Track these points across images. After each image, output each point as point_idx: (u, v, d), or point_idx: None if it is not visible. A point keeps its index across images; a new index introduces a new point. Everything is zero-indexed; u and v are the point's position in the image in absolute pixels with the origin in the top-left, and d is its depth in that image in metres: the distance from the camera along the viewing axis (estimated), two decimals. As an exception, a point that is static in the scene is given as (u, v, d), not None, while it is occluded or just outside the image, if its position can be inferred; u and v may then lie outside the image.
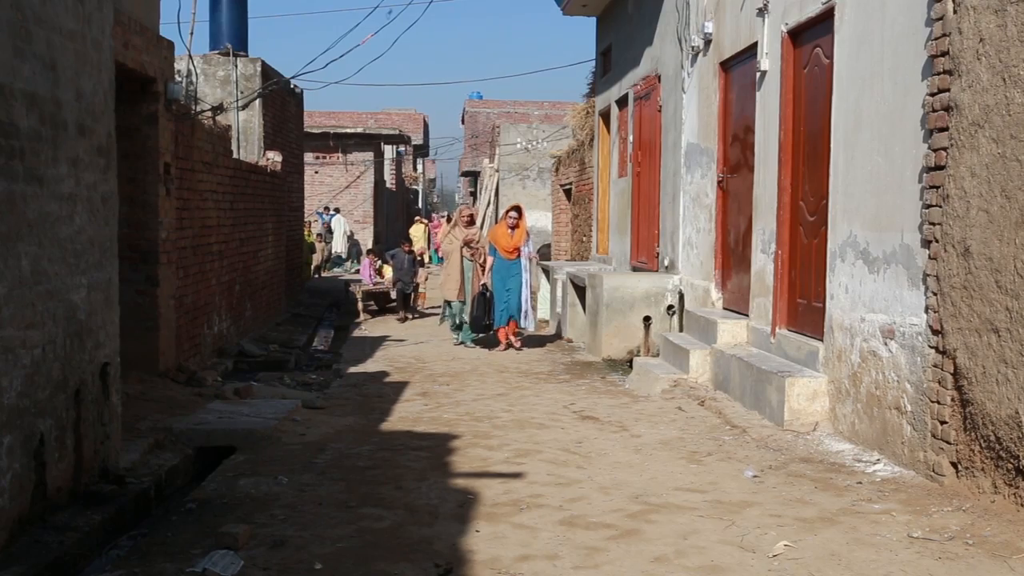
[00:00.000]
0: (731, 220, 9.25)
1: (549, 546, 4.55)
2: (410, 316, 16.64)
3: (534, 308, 12.85)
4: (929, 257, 5.46)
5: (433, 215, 36.46)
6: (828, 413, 6.73)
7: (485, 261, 12.51)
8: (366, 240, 28.99)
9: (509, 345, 12.28)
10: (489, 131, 41.17)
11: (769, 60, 8.00)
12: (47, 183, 4.63)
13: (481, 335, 12.63)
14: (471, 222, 13.37)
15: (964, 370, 5.09)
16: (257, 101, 15.15)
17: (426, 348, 12.61)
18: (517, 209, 12.65)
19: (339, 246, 28.34)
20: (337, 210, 28.49)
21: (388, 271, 18.43)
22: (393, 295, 18.46)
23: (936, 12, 5.38)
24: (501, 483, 5.66)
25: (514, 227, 12.40)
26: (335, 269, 27.39)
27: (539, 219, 22.39)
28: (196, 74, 14.35)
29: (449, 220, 35.94)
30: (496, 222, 16.75)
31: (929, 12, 5.47)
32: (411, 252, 17.12)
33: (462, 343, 12.73)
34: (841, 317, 6.60)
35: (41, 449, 4.57)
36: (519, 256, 12.41)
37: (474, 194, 47.84)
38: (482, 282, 12.38)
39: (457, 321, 12.91)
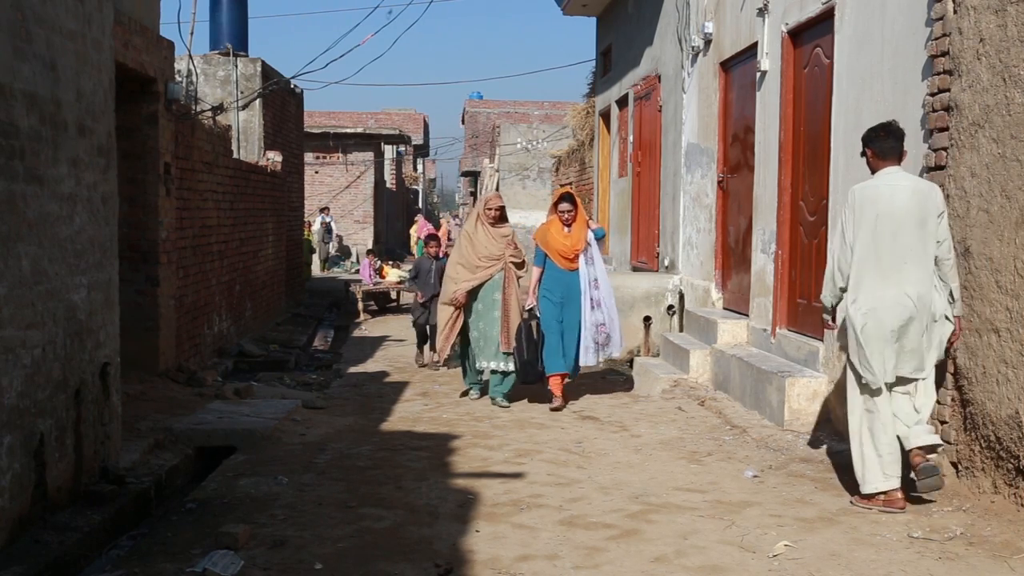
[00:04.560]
0: (731, 220, 9.24)
1: (549, 546, 4.55)
2: (434, 360, 10.61)
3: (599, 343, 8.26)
4: (929, 257, 5.45)
5: (418, 216, 34.76)
6: (828, 413, 6.72)
7: (531, 273, 8.41)
8: (366, 240, 28.96)
9: (561, 404, 8.12)
10: (489, 131, 41.18)
11: (769, 60, 8.00)
12: (47, 183, 4.63)
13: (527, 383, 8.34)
14: (502, 216, 8.54)
15: (964, 370, 5.09)
16: (257, 101, 15.15)
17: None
18: (570, 198, 8.30)
19: (332, 247, 28.32)
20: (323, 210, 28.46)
21: (388, 271, 18.43)
22: (393, 295, 18.43)
23: (936, 12, 5.38)
24: (501, 483, 5.66)
25: (570, 223, 8.24)
26: (335, 269, 27.40)
27: (540, 219, 22.37)
28: (196, 74, 14.36)
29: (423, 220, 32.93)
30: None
31: (929, 12, 5.47)
32: (438, 257, 11.22)
33: (498, 401, 8.28)
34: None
35: (41, 449, 4.57)
36: (580, 265, 8.24)
37: (474, 194, 47.79)
38: (527, 306, 8.26)
39: (479, 366, 8.42)
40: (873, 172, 5.22)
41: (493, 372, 8.30)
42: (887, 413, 5.05)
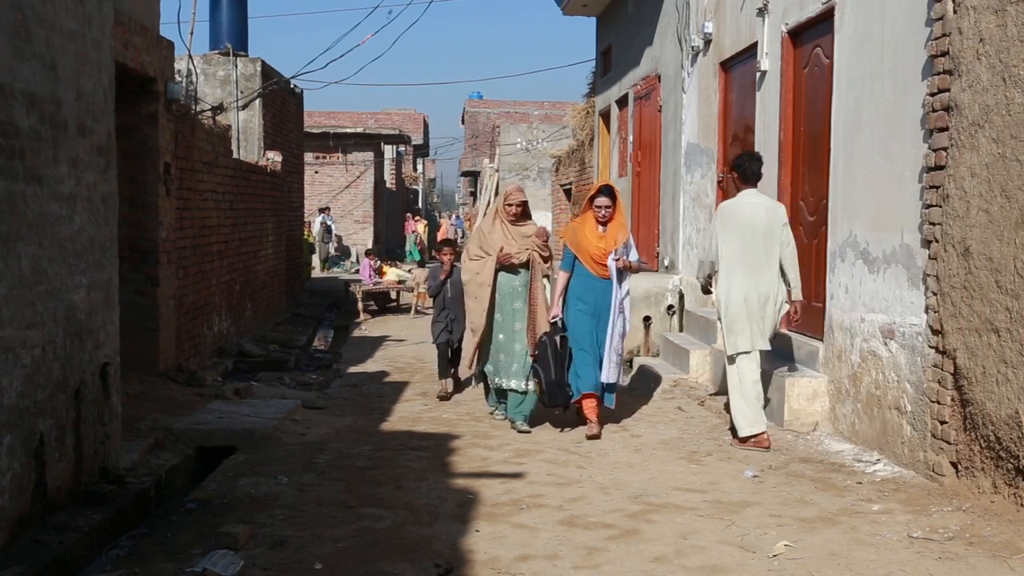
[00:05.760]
0: (731, 220, 9.23)
1: (549, 546, 4.55)
2: (451, 389, 8.86)
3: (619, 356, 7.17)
4: (929, 257, 5.46)
5: (408, 215, 33.39)
6: (828, 413, 6.73)
7: (557, 280, 7.27)
8: (366, 240, 28.96)
9: (597, 431, 6.96)
10: (489, 131, 41.19)
11: (769, 60, 8.00)
12: (47, 183, 4.63)
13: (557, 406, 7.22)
14: (525, 213, 7.43)
15: (964, 370, 5.09)
16: (257, 101, 15.15)
17: (426, 348, 12.55)
18: (609, 191, 7.11)
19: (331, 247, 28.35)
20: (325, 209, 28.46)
21: (388, 271, 18.43)
22: (393, 295, 18.44)
23: (936, 12, 5.38)
24: (501, 483, 5.66)
25: (606, 221, 7.09)
26: (335, 269, 27.42)
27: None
28: (196, 74, 14.36)
29: (414, 217, 30.82)
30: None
31: (929, 12, 5.47)
32: (456, 265, 8.74)
33: (518, 424, 7.22)
34: (841, 317, 6.60)
35: (41, 449, 4.57)
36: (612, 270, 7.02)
37: (474, 194, 47.80)
38: (552, 316, 7.14)
39: (503, 383, 7.35)
40: (737, 191, 6.71)
41: (511, 391, 7.30)
42: (754, 373, 6.50)
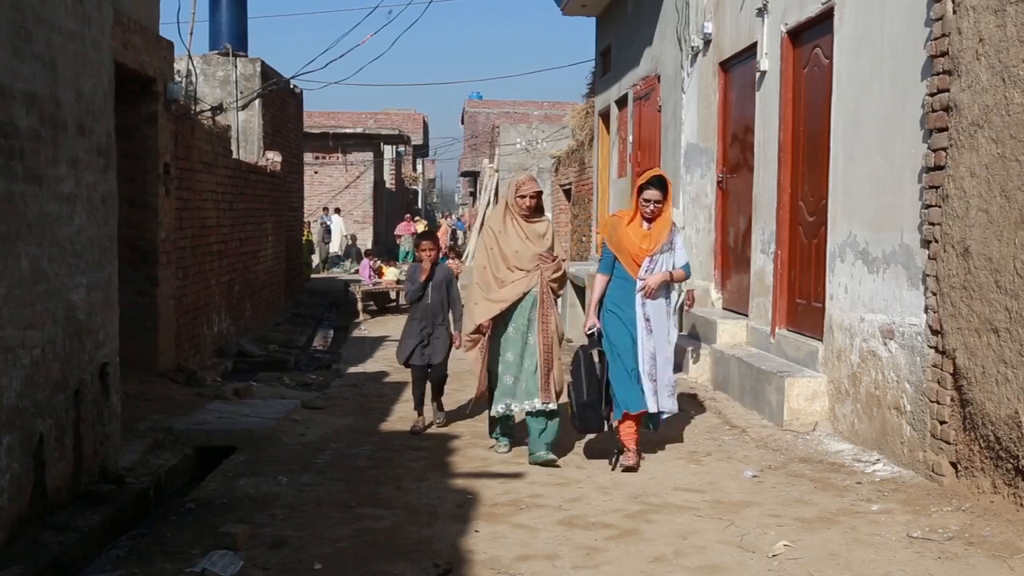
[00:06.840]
0: (731, 220, 9.25)
1: (549, 546, 4.55)
2: (438, 420, 7.43)
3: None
4: (929, 257, 5.46)
5: (407, 216, 32.74)
6: (828, 413, 6.73)
7: (594, 285, 6.27)
8: (365, 240, 28.97)
9: (635, 461, 5.94)
10: (489, 131, 41.16)
11: (769, 60, 8.00)
12: (47, 183, 4.63)
13: (593, 432, 6.25)
14: (538, 207, 6.24)
15: (964, 370, 5.09)
16: (257, 101, 15.16)
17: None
18: (660, 183, 6.06)
19: (336, 246, 28.36)
20: (337, 210, 28.48)
21: (387, 272, 18.44)
22: (392, 295, 18.43)
23: (936, 12, 5.38)
24: (501, 483, 5.66)
25: (654, 217, 6.10)
26: (334, 269, 27.45)
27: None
28: (196, 74, 14.36)
29: (412, 218, 30.87)
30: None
31: (929, 12, 5.47)
32: (439, 258, 7.53)
33: (541, 455, 6.06)
34: (841, 317, 6.60)
35: (41, 449, 4.57)
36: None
37: (474, 194, 47.78)
38: (589, 327, 6.19)
39: (502, 408, 6.24)
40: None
41: (529, 415, 6.16)
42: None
